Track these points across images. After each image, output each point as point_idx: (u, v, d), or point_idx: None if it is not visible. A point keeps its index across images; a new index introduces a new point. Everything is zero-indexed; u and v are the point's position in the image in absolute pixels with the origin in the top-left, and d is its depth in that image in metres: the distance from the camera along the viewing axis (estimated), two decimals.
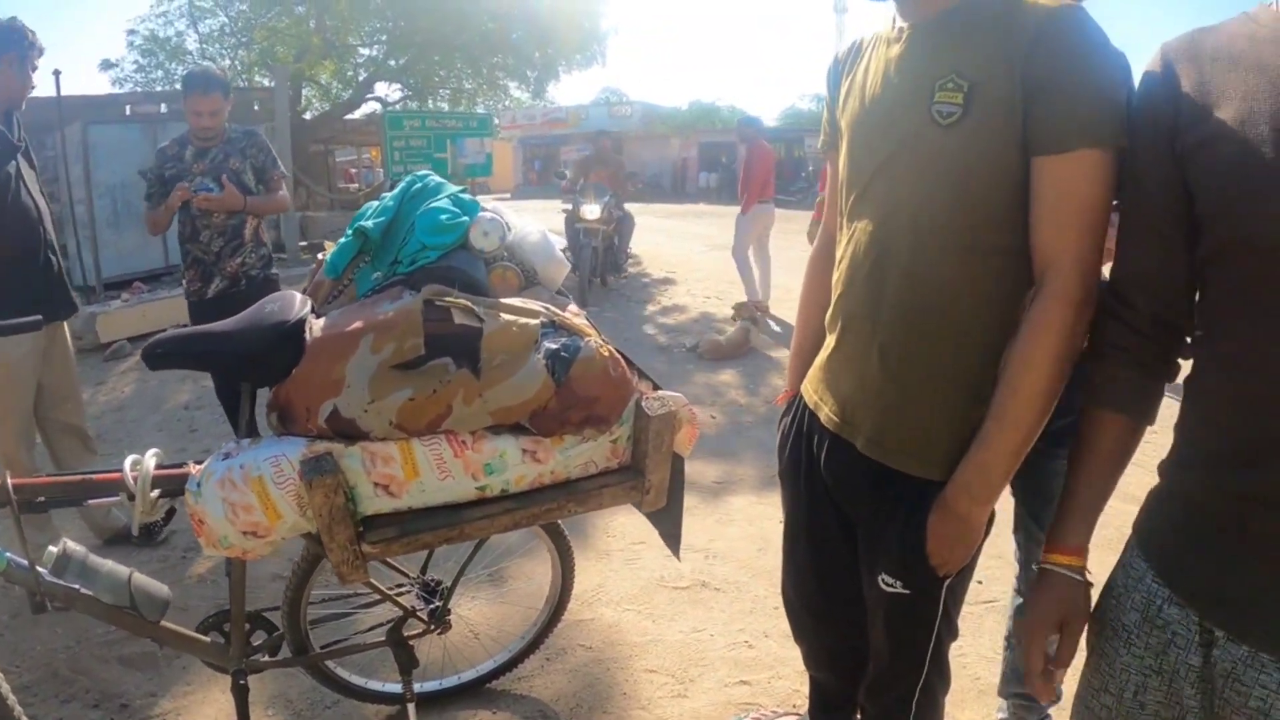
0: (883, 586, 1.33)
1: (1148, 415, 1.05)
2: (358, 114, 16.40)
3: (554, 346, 1.41)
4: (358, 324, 1.44)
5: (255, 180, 3.34)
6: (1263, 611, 0.84)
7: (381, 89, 16.38)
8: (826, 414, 1.39)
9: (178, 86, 15.27)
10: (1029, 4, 1.10)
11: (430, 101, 15.96)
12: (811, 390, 1.46)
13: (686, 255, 10.95)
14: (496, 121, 13.69)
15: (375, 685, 2.13)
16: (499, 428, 1.44)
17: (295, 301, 1.58)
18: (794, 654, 1.74)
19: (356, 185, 19.67)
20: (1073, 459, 1.08)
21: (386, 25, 14.82)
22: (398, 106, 15.53)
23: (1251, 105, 0.83)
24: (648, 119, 32.90)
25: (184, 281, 3.44)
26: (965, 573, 1.34)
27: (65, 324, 2.96)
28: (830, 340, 1.41)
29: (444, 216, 1.58)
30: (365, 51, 16.07)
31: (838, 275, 1.38)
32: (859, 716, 1.69)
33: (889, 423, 1.28)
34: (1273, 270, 0.82)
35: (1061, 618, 1.03)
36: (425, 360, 1.38)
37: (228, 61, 15.87)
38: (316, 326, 1.51)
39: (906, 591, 1.31)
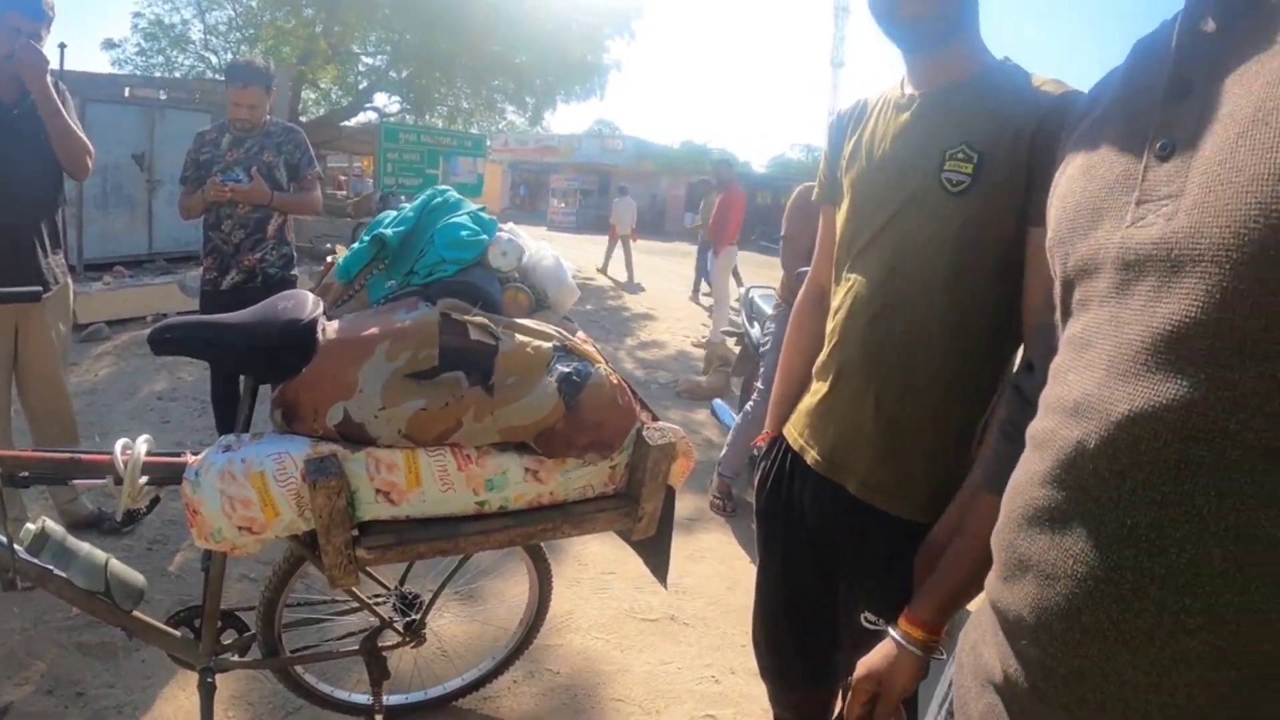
0: (864, 624, 1.33)
1: None
2: (354, 121, 16.37)
3: (566, 370, 1.43)
4: (374, 330, 1.45)
5: (288, 176, 3.29)
6: None
7: (380, 99, 16.39)
8: (813, 456, 1.41)
9: (177, 74, 15.21)
10: (1037, 87, 1.20)
11: (427, 117, 15.99)
12: (796, 434, 1.48)
13: (667, 293, 11.04)
14: (488, 143, 13.69)
15: (341, 694, 2.10)
16: (504, 445, 1.45)
17: (308, 301, 1.58)
18: (759, 691, 1.75)
19: (345, 193, 19.63)
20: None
21: (392, 36, 14.84)
22: (394, 119, 15.56)
23: None
24: (639, 155, 33.16)
25: (200, 269, 3.39)
26: None
27: (43, 307, 2.88)
28: (820, 386, 1.43)
29: (465, 233, 1.61)
30: (368, 60, 16.06)
31: (833, 325, 1.40)
32: None
33: (880, 467, 1.32)
34: None
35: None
36: (438, 372, 1.40)
37: (230, 55, 15.73)
38: (330, 328, 1.52)
39: (889, 629, 1.33)
